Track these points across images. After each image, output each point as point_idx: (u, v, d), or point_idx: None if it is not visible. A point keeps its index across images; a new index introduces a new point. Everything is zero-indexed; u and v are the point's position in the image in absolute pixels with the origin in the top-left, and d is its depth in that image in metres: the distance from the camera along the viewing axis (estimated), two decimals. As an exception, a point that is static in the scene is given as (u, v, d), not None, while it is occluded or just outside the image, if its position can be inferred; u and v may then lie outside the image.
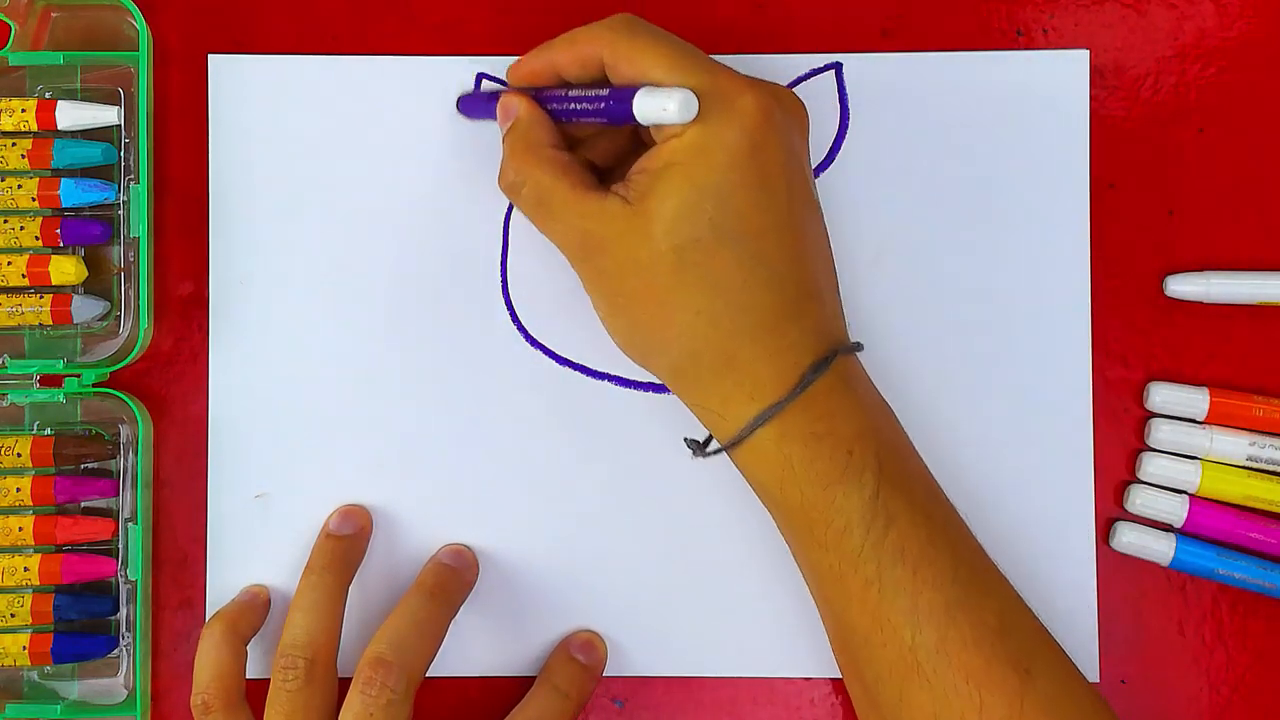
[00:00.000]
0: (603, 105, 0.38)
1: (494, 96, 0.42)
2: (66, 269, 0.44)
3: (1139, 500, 0.44)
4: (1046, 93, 0.45)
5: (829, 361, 0.37)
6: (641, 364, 0.40)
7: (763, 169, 0.37)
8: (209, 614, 0.45)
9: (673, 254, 0.36)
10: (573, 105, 0.39)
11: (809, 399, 0.37)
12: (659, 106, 0.36)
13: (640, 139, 0.42)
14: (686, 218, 0.36)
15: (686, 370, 0.38)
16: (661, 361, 0.39)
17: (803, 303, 0.37)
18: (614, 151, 0.42)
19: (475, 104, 0.45)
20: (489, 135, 0.46)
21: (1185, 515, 0.44)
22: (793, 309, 0.37)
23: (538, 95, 0.41)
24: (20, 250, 0.44)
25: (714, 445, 0.39)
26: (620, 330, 0.39)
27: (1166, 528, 0.45)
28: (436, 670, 0.44)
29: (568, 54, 0.40)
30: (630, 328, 0.39)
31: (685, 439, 0.41)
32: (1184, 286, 0.45)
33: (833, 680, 0.45)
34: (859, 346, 0.39)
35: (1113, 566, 0.45)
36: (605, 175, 0.41)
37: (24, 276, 0.44)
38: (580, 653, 0.44)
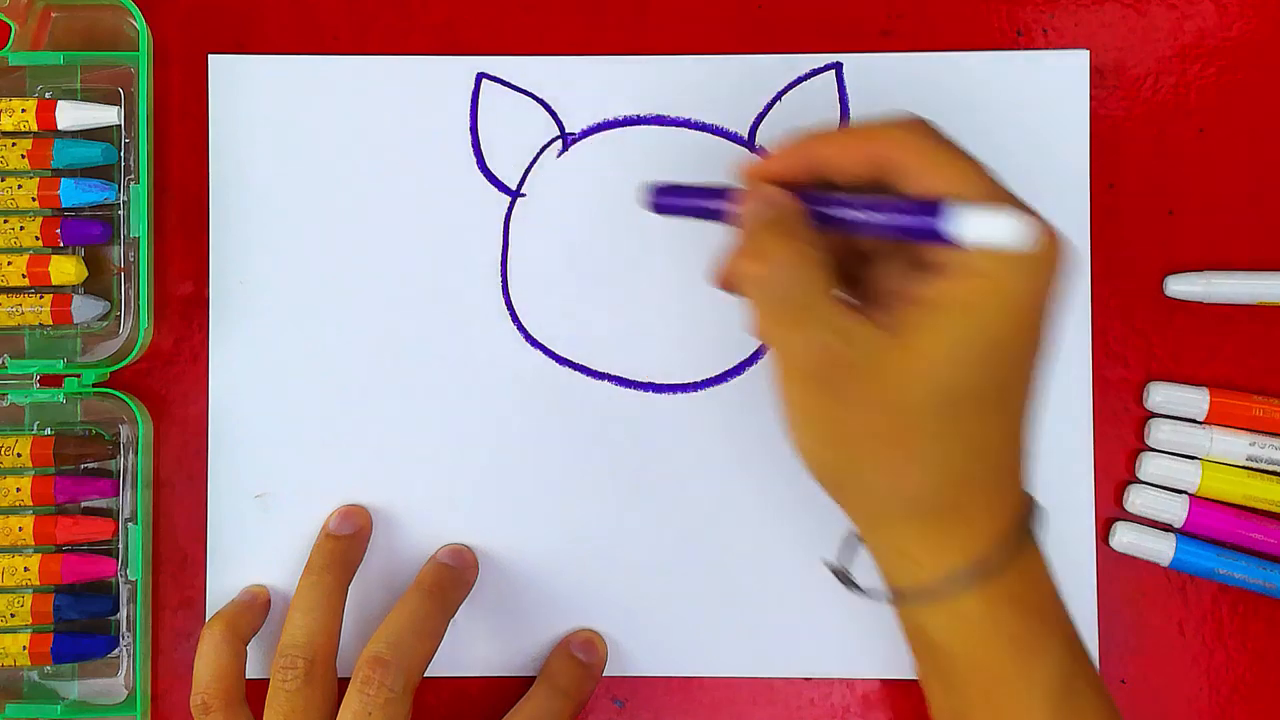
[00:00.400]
0: (902, 212, 0.33)
1: (708, 191, 0.37)
2: (66, 269, 0.44)
3: (1139, 500, 0.44)
4: (1046, 93, 0.45)
5: (1042, 519, 0.35)
6: (834, 495, 0.35)
7: (1046, 321, 0.33)
8: (209, 614, 0.45)
9: (940, 396, 0.32)
10: (850, 210, 0.34)
11: (1023, 559, 0.34)
12: (996, 228, 0.31)
13: (864, 252, 0.37)
14: (969, 369, 0.32)
15: (894, 514, 0.34)
16: (865, 500, 0.35)
17: (1023, 458, 0.35)
18: (843, 260, 0.36)
19: (679, 195, 0.38)
20: (489, 135, 0.46)
21: (1185, 515, 0.44)
22: (1017, 466, 0.34)
23: (798, 192, 0.35)
24: (20, 250, 0.44)
25: (867, 583, 0.36)
26: (826, 461, 0.34)
27: (1166, 528, 0.45)
28: (436, 670, 0.44)
29: (845, 149, 0.34)
30: (844, 463, 0.34)
31: (826, 562, 0.38)
32: (1184, 286, 0.45)
33: (833, 680, 0.45)
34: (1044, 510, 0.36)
35: (1113, 566, 0.45)
36: None
37: (24, 276, 0.44)
38: (580, 651, 0.44)
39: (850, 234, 0.35)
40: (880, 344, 0.33)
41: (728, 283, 0.36)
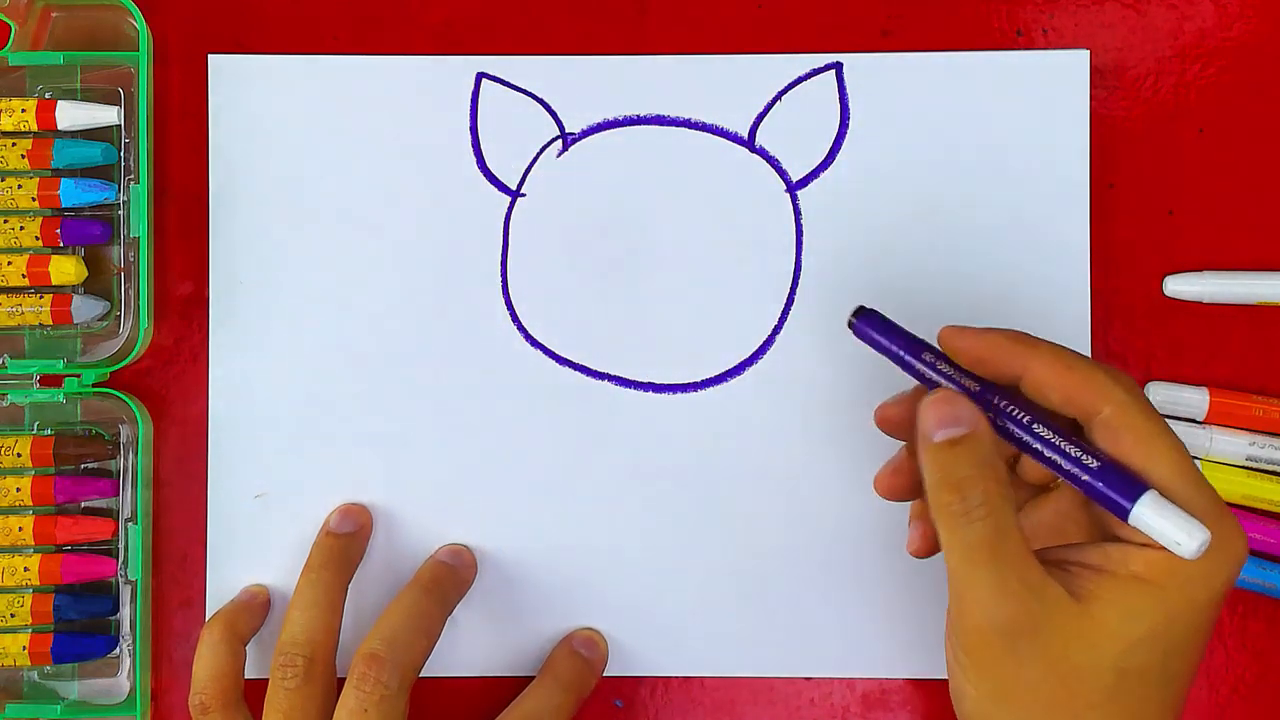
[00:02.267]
0: (1092, 470, 0.33)
1: (911, 342, 0.37)
2: (66, 269, 0.44)
3: (1139, 500, 0.44)
4: (1046, 93, 0.45)
5: None
6: None
7: (1216, 618, 0.34)
8: (209, 614, 0.45)
9: (1115, 674, 0.32)
10: (1040, 441, 0.34)
11: None
12: (1169, 531, 0.32)
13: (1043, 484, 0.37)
14: (1145, 644, 0.32)
15: None
16: None
17: None
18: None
19: (884, 332, 0.37)
20: (489, 135, 0.46)
21: (1185, 515, 0.44)
22: None
23: (991, 394, 0.35)
24: (20, 250, 0.44)
25: None
26: (990, 717, 0.34)
27: (1166, 528, 0.45)
28: (436, 670, 0.44)
29: (1059, 377, 0.34)
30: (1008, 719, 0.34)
31: None
32: (1184, 286, 0.45)
33: (833, 680, 0.45)
34: None
35: (1113, 566, 0.45)
36: None
37: (24, 276, 0.44)
38: (583, 648, 0.44)
39: (1022, 452, 0.35)
40: (1067, 609, 0.33)
41: (887, 423, 0.37)
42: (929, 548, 0.38)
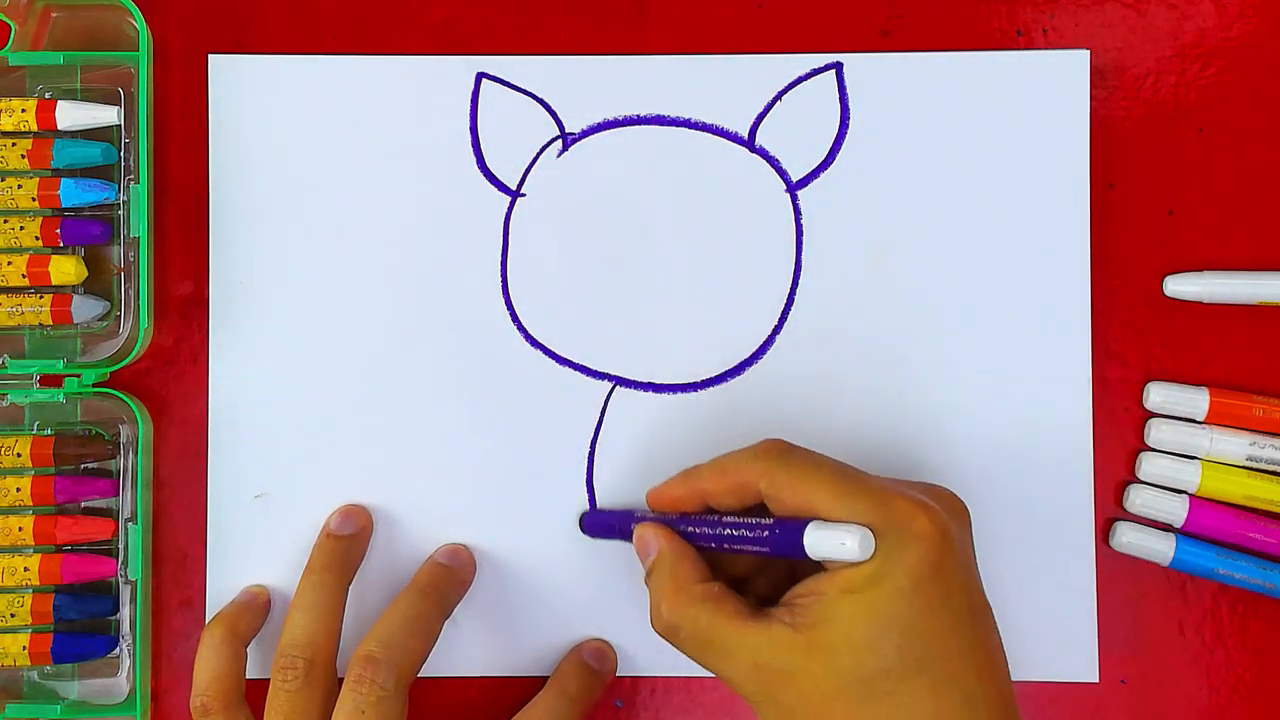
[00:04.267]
0: (766, 536, 0.36)
1: (620, 516, 0.42)
2: (66, 269, 0.44)
3: (1139, 500, 0.44)
4: (1046, 93, 0.45)
5: None
6: None
7: (945, 589, 0.35)
8: (209, 614, 0.45)
9: (861, 685, 0.34)
10: (728, 533, 0.38)
11: None
12: (835, 544, 0.34)
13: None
14: (871, 648, 0.34)
15: None
16: None
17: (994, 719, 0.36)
18: (755, 566, 0.41)
19: (599, 524, 0.44)
20: (489, 135, 0.46)
21: (1185, 515, 0.44)
22: None
23: (683, 522, 0.40)
24: (20, 250, 0.44)
25: None
26: None
27: (1166, 528, 0.45)
28: (437, 670, 0.44)
29: (718, 483, 0.39)
30: None
31: None
32: (1184, 286, 0.45)
33: (833, 680, 0.45)
34: None
35: (1113, 566, 0.45)
36: (742, 586, 0.40)
37: (24, 276, 0.44)
38: (592, 659, 0.44)
39: (724, 552, 0.38)
40: (797, 645, 0.35)
41: (664, 634, 0.39)
42: None
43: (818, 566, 0.36)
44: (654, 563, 0.39)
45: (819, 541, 0.35)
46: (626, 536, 0.41)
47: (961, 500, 0.38)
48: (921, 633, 0.35)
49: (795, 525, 0.35)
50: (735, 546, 0.38)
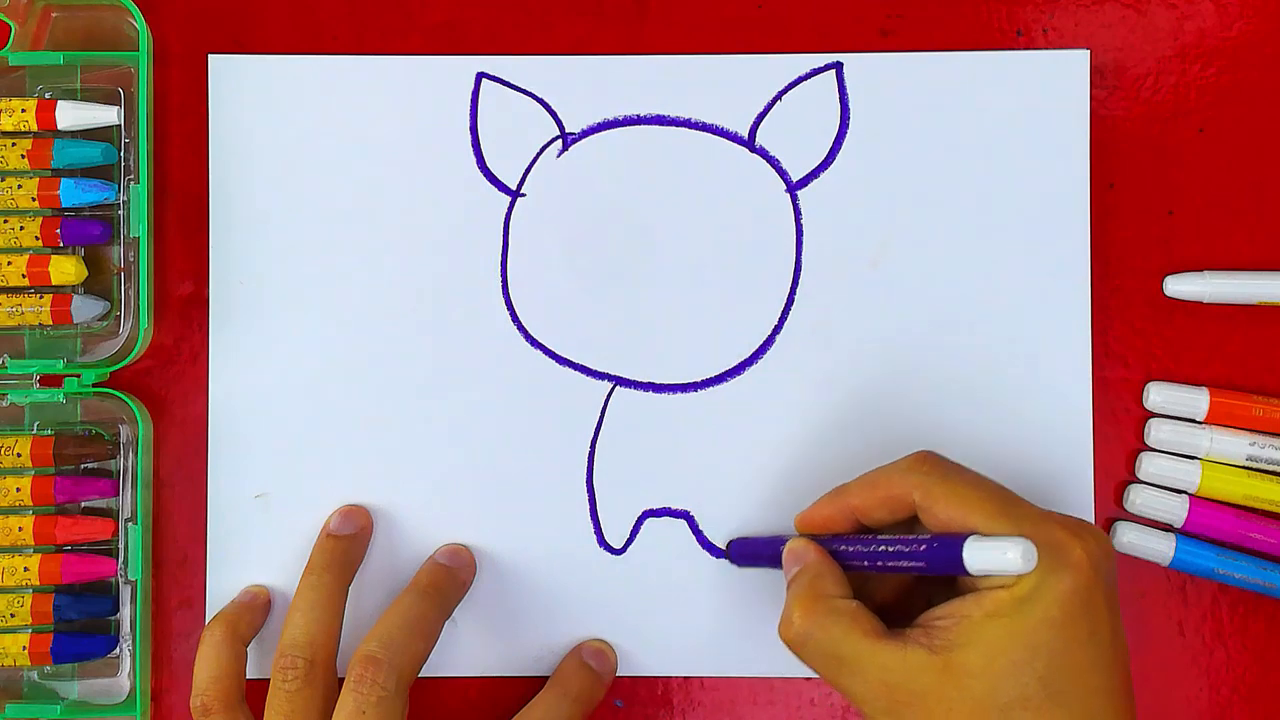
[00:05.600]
0: (923, 550, 0.35)
1: (768, 543, 0.42)
2: (66, 269, 0.44)
3: (1139, 500, 0.44)
4: (1046, 93, 0.45)
5: None
6: None
7: (1093, 623, 0.35)
8: (209, 614, 0.45)
9: (996, 712, 0.34)
10: (882, 549, 0.37)
11: None
12: (998, 557, 0.34)
13: (922, 578, 0.40)
14: (1013, 675, 0.34)
15: None
16: None
17: None
18: (895, 592, 0.40)
19: (749, 551, 0.44)
20: (489, 135, 0.46)
21: (1185, 515, 0.44)
22: None
23: (836, 541, 0.39)
24: (20, 250, 0.44)
25: None
26: None
27: (1166, 528, 0.45)
28: (437, 670, 0.44)
29: (869, 497, 0.39)
30: None
31: None
32: (1184, 286, 0.45)
33: (833, 680, 0.45)
34: None
35: (1113, 566, 0.45)
36: (880, 612, 0.39)
37: (24, 276, 0.44)
38: (592, 659, 0.44)
39: (875, 571, 0.38)
40: (933, 667, 0.35)
41: (791, 643, 0.38)
42: None
43: (957, 592, 0.36)
44: (798, 573, 0.39)
45: (980, 554, 0.34)
46: (776, 563, 0.41)
47: (1108, 539, 0.37)
48: (1065, 665, 0.34)
49: (954, 539, 0.35)
50: (889, 564, 0.37)
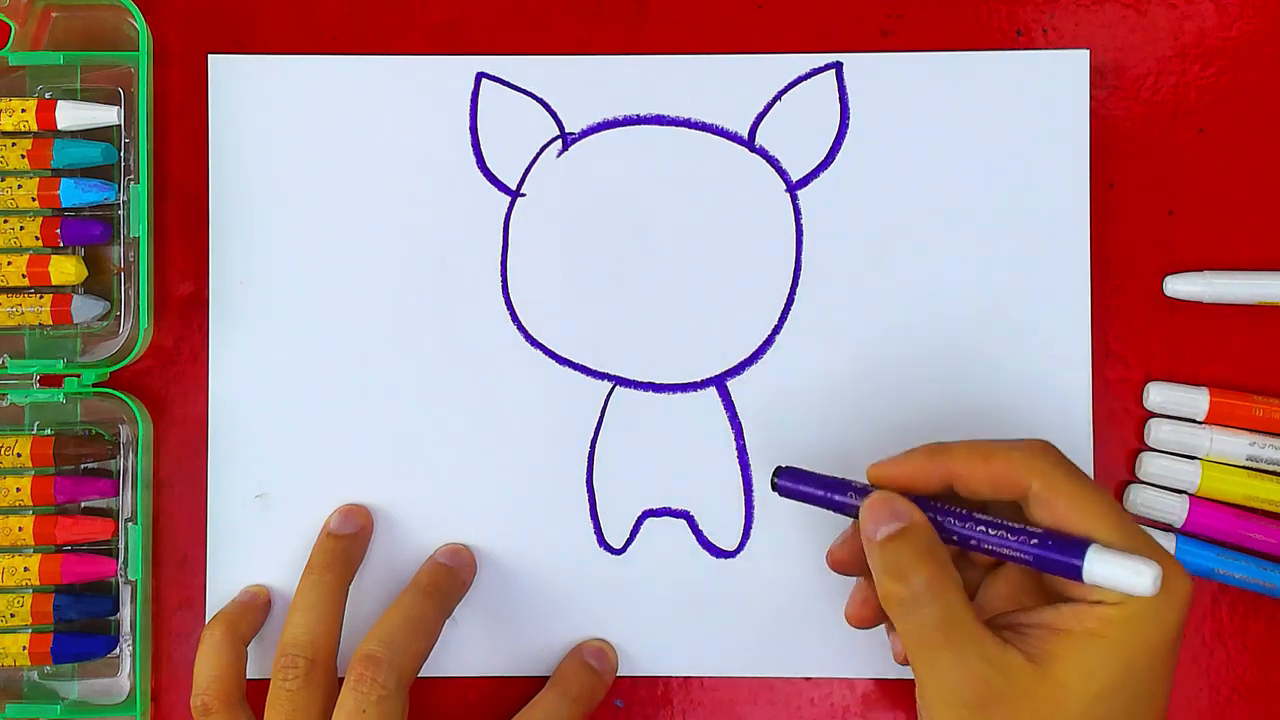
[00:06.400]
0: (1034, 545, 0.34)
1: (836, 485, 0.38)
2: (66, 269, 0.44)
3: (1139, 500, 0.44)
4: (1046, 93, 0.45)
5: None
6: None
7: (1176, 657, 0.35)
8: (209, 614, 0.45)
9: None
10: (982, 530, 0.35)
11: None
12: (1127, 575, 0.33)
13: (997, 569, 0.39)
14: (1107, 696, 0.33)
15: None
16: None
17: None
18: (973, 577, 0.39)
19: (804, 483, 0.39)
20: (489, 135, 0.46)
21: (1185, 515, 0.44)
22: None
23: (930, 508, 0.36)
24: (20, 250, 0.44)
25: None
26: None
27: (1166, 528, 0.45)
28: (436, 670, 0.44)
29: (977, 467, 0.36)
30: None
31: None
32: (1184, 286, 0.45)
33: (833, 680, 0.45)
34: None
35: (1113, 566, 0.45)
36: None
37: (24, 276, 0.44)
38: (593, 659, 0.44)
39: (970, 550, 0.36)
40: (1028, 674, 0.34)
41: (840, 565, 0.38)
42: (867, 615, 0.40)
43: (1045, 596, 0.36)
44: (905, 530, 0.36)
45: (1104, 567, 0.33)
46: (830, 505, 0.38)
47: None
48: (1152, 694, 0.34)
49: (1077, 544, 0.34)
50: (986, 546, 0.35)
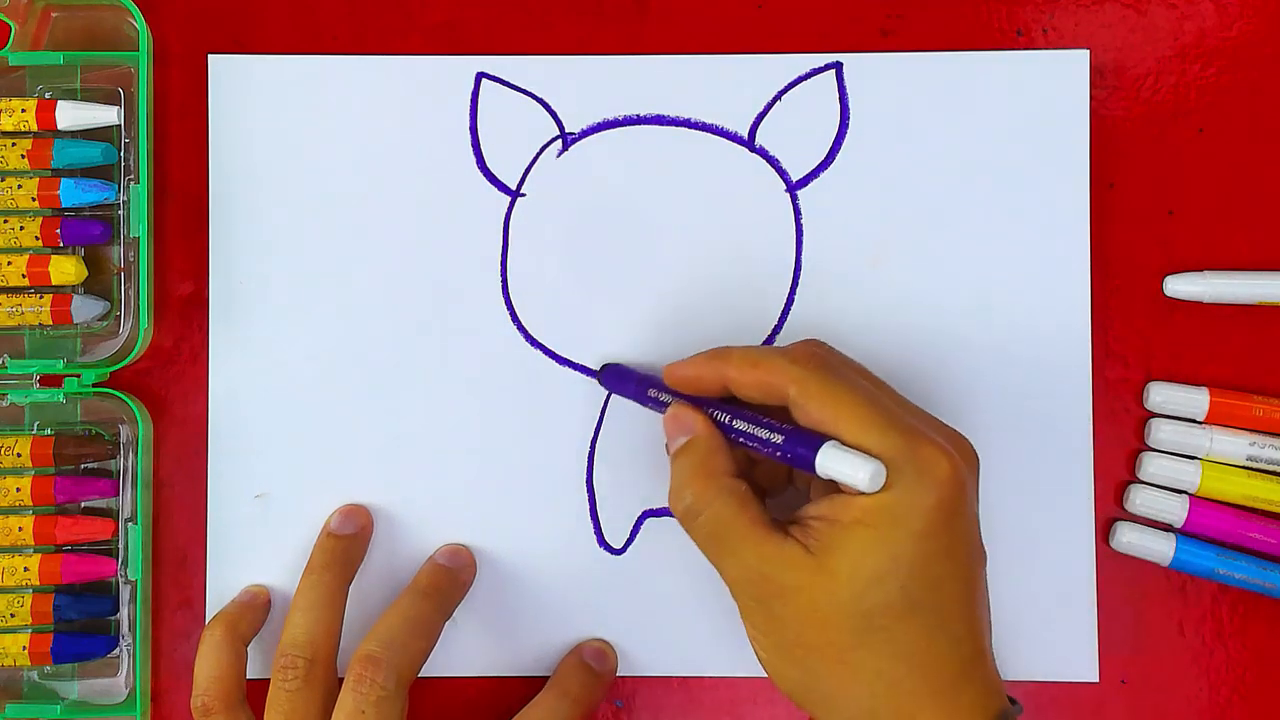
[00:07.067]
0: (781, 443, 0.36)
1: (639, 381, 0.42)
2: (66, 269, 0.44)
3: (1139, 500, 0.44)
4: (1046, 93, 0.45)
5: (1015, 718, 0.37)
6: (810, 712, 0.38)
7: (952, 536, 0.36)
8: (209, 614, 0.45)
9: (860, 617, 0.35)
10: (741, 426, 0.38)
11: None
12: (847, 472, 0.35)
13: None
14: (877, 583, 0.35)
15: None
16: (833, 716, 0.37)
17: (976, 661, 0.36)
18: (776, 476, 0.41)
19: (624, 378, 0.44)
20: (489, 135, 0.46)
21: (1185, 515, 0.44)
22: (968, 670, 0.36)
23: (706, 406, 0.39)
24: (20, 250, 0.44)
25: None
26: (789, 679, 0.37)
27: (1166, 528, 0.45)
28: (437, 670, 0.44)
29: (747, 375, 0.38)
30: (804, 678, 0.37)
31: None
32: (1184, 286, 0.45)
33: (833, 680, 0.45)
34: (1019, 708, 0.38)
35: (1113, 566, 0.45)
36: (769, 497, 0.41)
37: (24, 276, 0.44)
38: (592, 660, 0.44)
39: (745, 449, 0.38)
40: (806, 565, 0.36)
41: (680, 517, 0.39)
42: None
43: (832, 485, 0.36)
44: (688, 444, 0.39)
45: (831, 464, 0.35)
46: (640, 400, 0.42)
47: (973, 448, 0.38)
48: (925, 576, 0.35)
49: (810, 441, 0.36)
50: (744, 443, 0.38)
